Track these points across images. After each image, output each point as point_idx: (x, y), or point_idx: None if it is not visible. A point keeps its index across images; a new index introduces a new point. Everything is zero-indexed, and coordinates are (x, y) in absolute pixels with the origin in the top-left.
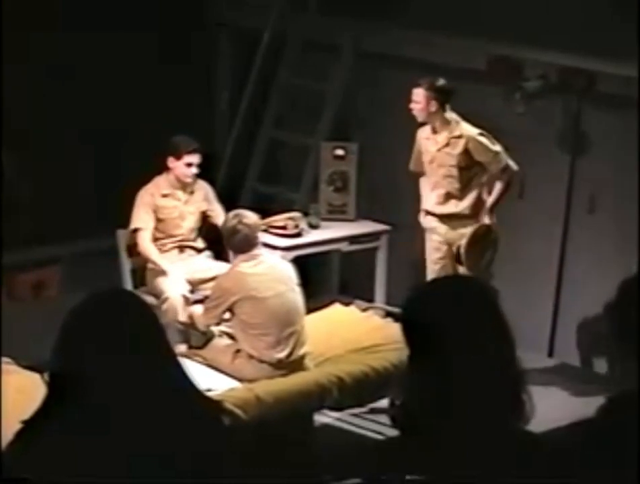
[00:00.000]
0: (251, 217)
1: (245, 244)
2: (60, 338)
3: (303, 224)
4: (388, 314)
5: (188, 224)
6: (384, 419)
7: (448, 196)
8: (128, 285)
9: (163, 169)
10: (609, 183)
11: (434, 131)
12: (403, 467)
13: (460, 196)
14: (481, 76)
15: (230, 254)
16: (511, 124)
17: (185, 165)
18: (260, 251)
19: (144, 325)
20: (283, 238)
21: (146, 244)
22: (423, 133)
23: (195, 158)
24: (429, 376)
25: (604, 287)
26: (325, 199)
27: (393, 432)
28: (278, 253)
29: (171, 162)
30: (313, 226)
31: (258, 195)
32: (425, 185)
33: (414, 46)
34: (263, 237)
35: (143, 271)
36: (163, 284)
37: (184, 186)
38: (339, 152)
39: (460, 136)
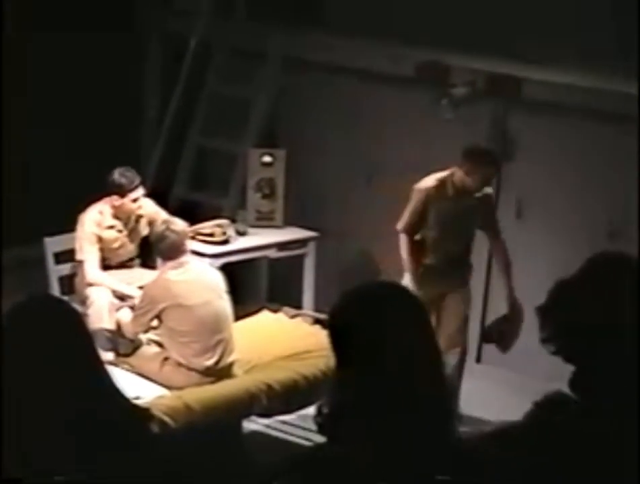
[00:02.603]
0: (179, 224)
1: (172, 250)
2: None
3: (231, 231)
4: (316, 320)
5: (127, 251)
6: (312, 425)
7: (453, 253)
8: (56, 293)
9: (105, 196)
10: (536, 187)
11: (457, 191)
12: (329, 474)
13: (464, 254)
14: (408, 82)
15: (158, 261)
16: (438, 130)
17: (131, 201)
18: (188, 258)
19: (72, 332)
20: (211, 245)
21: (96, 274)
22: (437, 189)
23: (139, 192)
24: (355, 382)
25: (532, 291)
26: (252, 206)
27: (320, 439)
28: (206, 260)
29: (116, 200)
30: (241, 233)
31: (186, 202)
32: (424, 239)
33: (342, 52)
34: (191, 245)
35: (71, 279)
36: (89, 290)
37: (129, 217)
38: (267, 159)
39: (482, 197)
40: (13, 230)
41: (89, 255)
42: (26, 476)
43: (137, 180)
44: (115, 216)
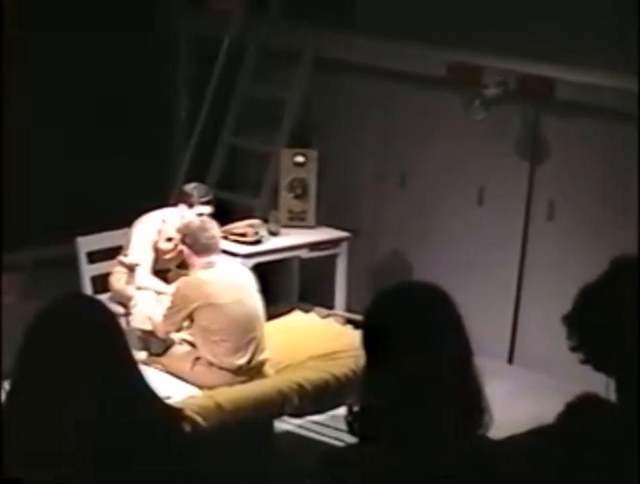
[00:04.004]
0: (214, 223)
1: (210, 244)
2: (22, 344)
3: (263, 231)
4: (348, 321)
5: (173, 264)
6: (343, 425)
7: None
8: (88, 291)
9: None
10: (568, 189)
11: None
12: (360, 474)
13: None
14: (440, 83)
15: (190, 260)
16: (470, 131)
17: (196, 215)
18: (219, 258)
19: (106, 331)
20: (243, 245)
21: (146, 280)
22: None
23: (207, 209)
24: (386, 382)
25: (563, 293)
26: (284, 206)
27: (352, 439)
28: (238, 260)
29: (182, 209)
30: (273, 233)
31: (218, 203)
32: None
33: (374, 53)
34: (224, 244)
35: (105, 278)
36: (135, 290)
37: None
38: (299, 159)
39: None
40: (44, 229)
41: (143, 260)
42: (41, 477)
43: (207, 196)
44: (178, 229)
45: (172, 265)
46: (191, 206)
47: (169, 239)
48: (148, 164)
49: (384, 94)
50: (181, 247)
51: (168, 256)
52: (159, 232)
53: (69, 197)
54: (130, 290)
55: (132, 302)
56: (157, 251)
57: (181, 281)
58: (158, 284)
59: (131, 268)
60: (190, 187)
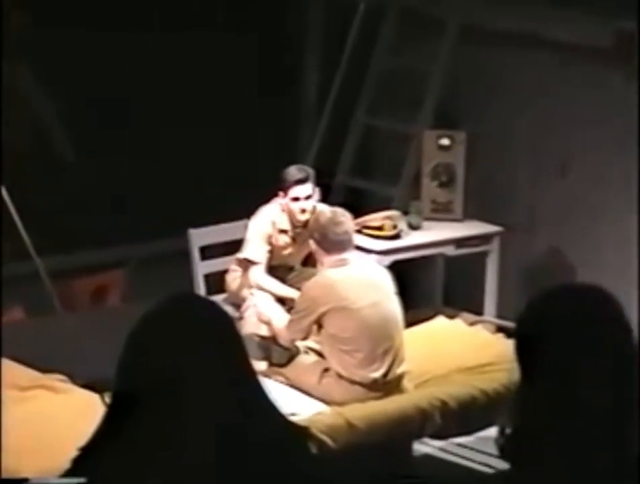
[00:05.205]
0: (347, 215)
1: (341, 241)
2: (126, 349)
3: (402, 225)
4: (499, 329)
5: (292, 261)
6: (493, 449)
7: None
8: (201, 291)
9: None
10: None
11: None
12: None
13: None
14: (604, 55)
15: (318, 257)
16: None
17: (291, 200)
18: (352, 255)
19: (221, 337)
20: (379, 240)
21: (261, 278)
22: None
23: (302, 191)
24: (544, 400)
25: None
26: (427, 196)
27: (503, 465)
28: (373, 257)
29: (281, 197)
30: (414, 227)
31: (351, 192)
32: None
33: (531, 21)
34: (357, 239)
35: (221, 277)
36: (248, 291)
37: (295, 220)
38: (445, 141)
39: None
40: (152, 222)
41: (257, 256)
42: None
43: (299, 176)
44: (289, 222)
45: (294, 263)
46: (285, 191)
47: (283, 231)
48: (275, 148)
49: (544, 69)
50: (309, 241)
51: (285, 252)
52: (273, 224)
53: (180, 188)
54: (244, 291)
55: (245, 305)
56: (272, 246)
57: (309, 281)
58: (274, 284)
59: (246, 266)
60: (286, 170)
